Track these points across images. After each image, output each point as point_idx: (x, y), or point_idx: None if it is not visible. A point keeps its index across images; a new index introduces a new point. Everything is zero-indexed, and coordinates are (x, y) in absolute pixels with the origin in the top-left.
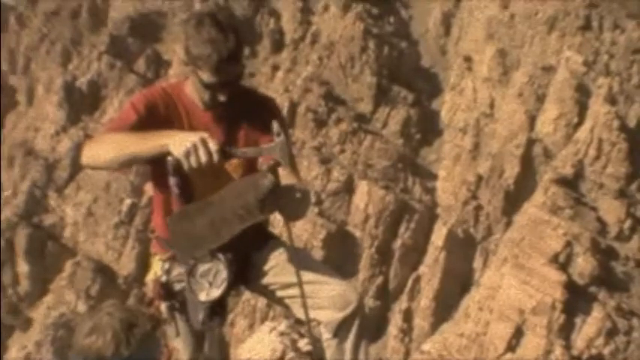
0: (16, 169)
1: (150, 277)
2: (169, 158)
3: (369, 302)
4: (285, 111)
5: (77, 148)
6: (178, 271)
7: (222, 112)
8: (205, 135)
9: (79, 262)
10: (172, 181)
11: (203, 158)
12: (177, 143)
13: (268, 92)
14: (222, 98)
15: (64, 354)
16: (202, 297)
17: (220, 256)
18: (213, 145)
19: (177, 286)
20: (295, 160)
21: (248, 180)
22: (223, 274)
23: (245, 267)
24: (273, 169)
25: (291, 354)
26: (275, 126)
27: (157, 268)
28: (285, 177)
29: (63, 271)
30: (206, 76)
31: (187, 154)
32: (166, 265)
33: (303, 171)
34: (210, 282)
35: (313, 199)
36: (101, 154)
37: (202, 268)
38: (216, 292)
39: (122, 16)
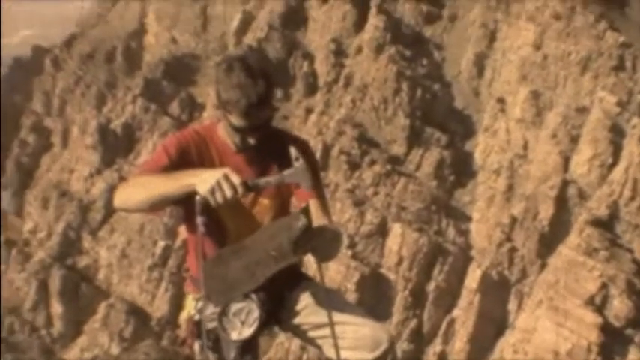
0: (51, 211)
1: (183, 316)
2: (197, 197)
3: (403, 345)
4: (318, 154)
5: (111, 190)
6: (212, 310)
7: (254, 154)
8: (228, 170)
9: (112, 303)
10: (200, 220)
11: (227, 193)
12: (202, 181)
13: (301, 135)
14: (252, 142)
15: None
16: (234, 336)
17: (253, 295)
18: (236, 179)
19: (210, 325)
20: (327, 201)
21: (281, 222)
22: (255, 313)
23: (278, 306)
24: (306, 212)
25: None
26: (293, 151)
27: (190, 307)
28: (318, 218)
29: (96, 312)
30: (236, 121)
31: (212, 191)
32: (199, 304)
33: (336, 214)
34: (243, 321)
35: (346, 240)
36: (131, 197)
37: (235, 307)
38: (248, 331)
39: (156, 59)
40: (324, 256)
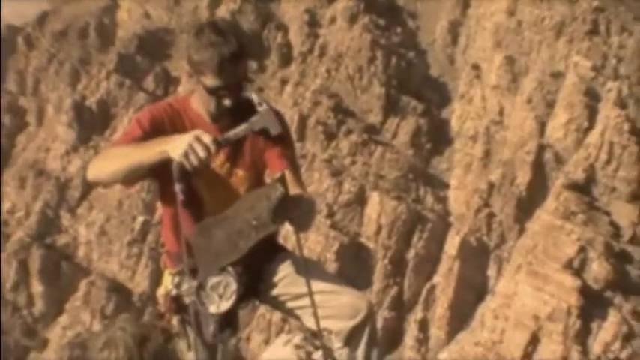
0: (28, 190)
1: (161, 292)
2: (174, 164)
3: (384, 313)
4: (294, 124)
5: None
6: (189, 284)
7: (229, 124)
8: (198, 131)
9: (93, 281)
10: (177, 187)
11: (201, 153)
12: (175, 146)
13: (277, 106)
14: (227, 103)
15: None
16: (212, 309)
17: (230, 268)
18: (207, 139)
19: (188, 300)
20: (300, 172)
21: (260, 192)
22: (233, 286)
23: (255, 279)
24: (282, 181)
25: None
26: (255, 97)
27: (167, 282)
28: (292, 189)
29: (77, 290)
30: (209, 80)
31: (186, 155)
32: (176, 279)
33: (314, 184)
34: (220, 294)
35: (319, 208)
36: (104, 168)
37: (212, 280)
38: (226, 305)
39: (130, 35)
40: (302, 225)
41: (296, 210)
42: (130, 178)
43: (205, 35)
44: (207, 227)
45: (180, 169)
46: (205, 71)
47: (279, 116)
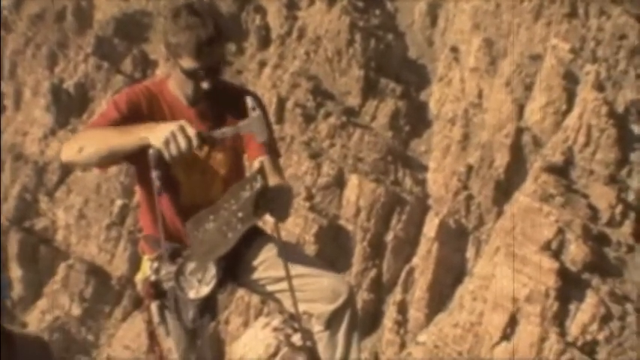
0: (6, 174)
1: (139, 277)
2: (151, 150)
3: (363, 295)
4: (273, 107)
5: None
6: (167, 269)
7: (207, 108)
8: (183, 122)
9: (72, 264)
10: (154, 174)
11: (182, 145)
12: (157, 134)
13: (256, 88)
14: (205, 85)
15: (60, 357)
16: (192, 295)
17: None
18: (190, 131)
19: (167, 285)
20: (278, 159)
21: (243, 182)
22: (212, 271)
23: (234, 263)
24: (262, 172)
25: (285, 349)
26: (249, 101)
27: (145, 268)
28: (270, 177)
29: (56, 274)
30: (187, 63)
31: (167, 143)
32: (155, 265)
33: (293, 166)
34: (200, 279)
35: (296, 192)
36: (81, 150)
37: (191, 265)
38: (205, 290)
39: (107, 17)
40: (282, 215)
41: (276, 201)
42: (107, 161)
43: (182, 17)
44: (201, 219)
45: (158, 157)
46: (182, 54)
47: (257, 99)
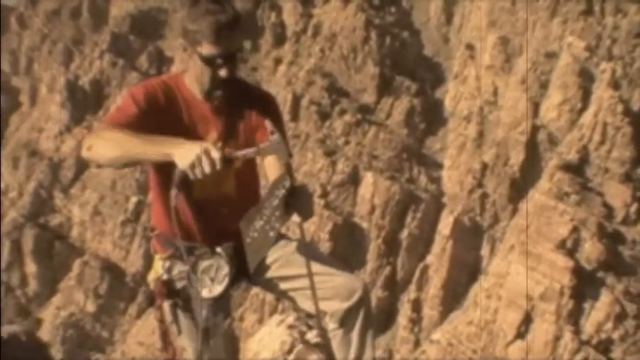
0: (21, 170)
1: (151, 277)
2: (177, 170)
3: (378, 293)
4: (288, 104)
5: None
6: (180, 268)
7: (222, 104)
8: (208, 145)
9: (86, 261)
10: (174, 193)
11: (207, 169)
12: (182, 155)
13: (271, 86)
14: (223, 73)
15: (74, 353)
16: (205, 293)
17: (221, 251)
18: (216, 154)
19: (180, 284)
20: (290, 156)
21: (277, 182)
22: (225, 269)
23: (246, 261)
24: (289, 170)
25: (299, 346)
26: (268, 124)
27: (158, 267)
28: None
29: (71, 270)
30: (206, 49)
31: (192, 167)
32: (167, 264)
33: (308, 163)
34: (212, 278)
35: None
36: (104, 153)
37: (204, 264)
38: (218, 288)
39: (123, 14)
40: (308, 213)
41: (303, 200)
42: (127, 166)
43: (202, 4)
44: (252, 218)
45: (183, 177)
46: (202, 40)
47: (271, 100)
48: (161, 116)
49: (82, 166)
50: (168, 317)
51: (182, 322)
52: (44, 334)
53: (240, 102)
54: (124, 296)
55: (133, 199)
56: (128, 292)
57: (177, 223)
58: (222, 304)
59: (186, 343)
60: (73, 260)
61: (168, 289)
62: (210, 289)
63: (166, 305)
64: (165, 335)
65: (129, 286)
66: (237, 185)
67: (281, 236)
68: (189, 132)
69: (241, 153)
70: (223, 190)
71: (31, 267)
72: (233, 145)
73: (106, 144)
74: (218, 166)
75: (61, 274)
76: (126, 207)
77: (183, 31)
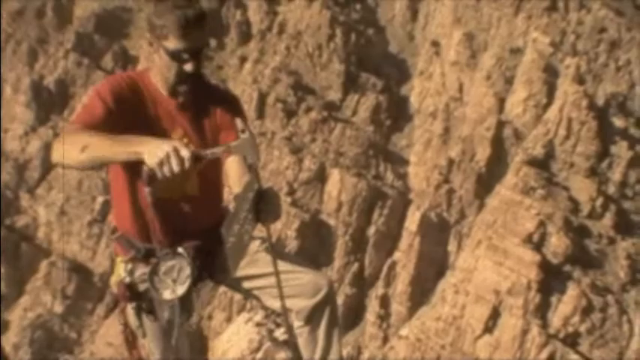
0: None
1: (114, 280)
2: (145, 168)
3: (346, 290)
4: (254, 102)
5: (47, 148)
6: (142, 271)
7: (187, 101)
8: (177, 143)
9: (53, 262)
10: (147, 190)
11: (175, 167)
12: (151, 153)
13: (237, 84)
14: (189, 68)
15: (43, 355)
16: (167, 295)
17: (183, 252)
18: (185, 152)
19: (142, 287)
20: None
21: (248, 186)
22: (187, 270)
23: (211, 261)
24: (256, 173)
25: (267, 344)
26: (239, 123)
27: (120, 270)
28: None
29: (38, 271)
30: (173, 44)
31: (161, 165)
32: (129, 266)
33: (274, 161)
34: (175, 279)
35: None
36: (73, 155)
37: (165, 265)
38: (180, 289)
39: (87, 14)
40: (275, 216)
41: (273, 202)
42: (97, 167)
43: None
44: (231, 224)
45: (151, 175)
46: (168, 34)
47: (236, 101)
48: (128, 111)
49: (47, 166)
50: (133, 320)
51: (146, 324)
52: (12, 336)
53: (205, 100)
54: (92, 297)
55: (100, 199)
56: (96, 293)
57: (139, 224)
58: (184, 305)
59: (151, 345)
60: (39, 261)
61: (132, 291)
62: (173, 290)
63: (130, 308)
64: (129, 338)
65: (97, 286)
66: (200, 185)
67: None
68: (155, 127)
69: (210, 151)
70: (187, 189)
71: None
72: (198, 143)
73: (75, 147)
74: (187, 165)
75: (27, 276)
76: (92, 207)
77: (149, 25)
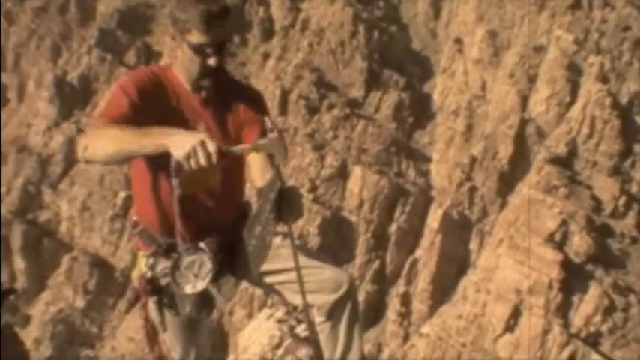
0: (10, 166)
1: (135, 274)
2: (172, 162)
3: (367, 287)
4: (276, 99)
5: (70, 143)
6: (163, 265)
7: (209, 95)
8: (204, 136)
9: (75, 256)
10: (175, 182)
11: (202, 161)
12: (178, 145)
13: (259, 80)
14: (212, 62)
15: (64, 349)
16: (188, 289)
17: (204, 247)
18: (211, 147)
19: (164, 281)
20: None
21: (269, 184)
22: (208, 265)
23: (231, 255)
24: (279, 172)
25: (288, 340)
26: (267, 122)
27: (141, 264)
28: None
29: (60, 266)
30: (196, 38)
31: (188, 158)
32: (151, 261)
33: (296, 158)
34: (196, 274)
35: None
36: (99, 151)
37: (187, 260)
38: (201, 284)
39: (111, 10)
40: (297, 215)
41: (295, 201)
42: (123, 162)
43: None
44: (252, 225)
45: (179, 167)
46: (191, 28)
47: (259, 97)
48: (151, 106)
49: (70, 161)
50: (154, 315)
51: (167, 319)
52: (33, 330)
53: (228, 95)
54: (113, 291)
55: (122, 195)
56: (117, 288)
57: (162, 218)
58: (206, 300)
59: (172, 340)
60: (61, 256)
61: (153, 286)
62: (194, 284)
63: (151, 303)
64: (150, 333)
65: (118, 281)
66: (223, 180)
67: None
68: (178, 121)
69: (239, 148)
70: (210, 184)
71: (19, 263)
72: (221, 138)
73: (101, 142)
74: (214, 160)
75: (49, 270)
76: (114, 202)
77: (173, 20)
